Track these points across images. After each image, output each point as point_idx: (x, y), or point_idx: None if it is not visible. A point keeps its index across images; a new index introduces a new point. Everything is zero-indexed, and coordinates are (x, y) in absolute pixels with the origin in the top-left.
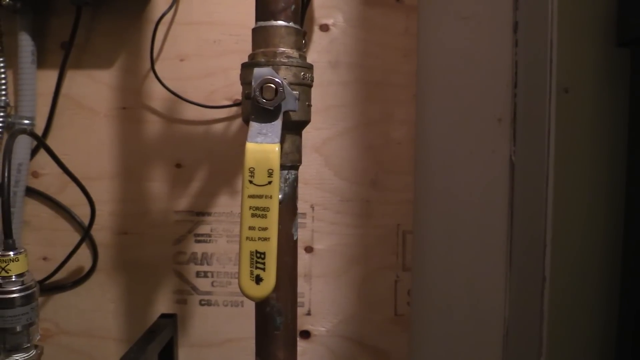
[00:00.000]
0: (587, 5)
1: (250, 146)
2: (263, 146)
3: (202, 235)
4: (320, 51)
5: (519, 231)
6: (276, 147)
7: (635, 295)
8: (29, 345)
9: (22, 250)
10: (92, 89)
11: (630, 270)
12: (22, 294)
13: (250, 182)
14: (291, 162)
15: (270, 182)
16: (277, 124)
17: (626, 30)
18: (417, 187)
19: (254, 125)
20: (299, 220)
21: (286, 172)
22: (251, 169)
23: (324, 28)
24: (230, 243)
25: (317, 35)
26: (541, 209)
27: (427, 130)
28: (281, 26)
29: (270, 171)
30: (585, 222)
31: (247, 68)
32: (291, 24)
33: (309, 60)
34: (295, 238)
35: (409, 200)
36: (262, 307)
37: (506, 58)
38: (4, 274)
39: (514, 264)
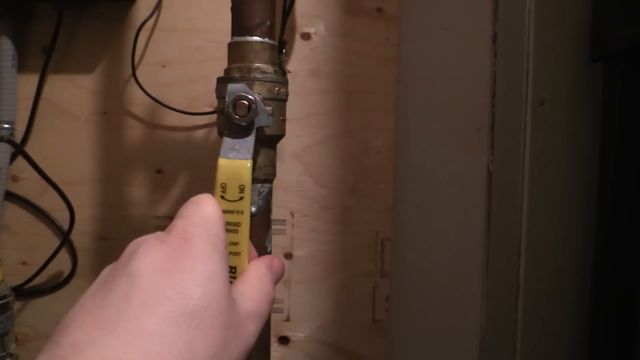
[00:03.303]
0: (562, 20)
1: (222, 162)
2: (235, 162)
3: None
4: (301, 59)
5: (495, 240)
6: (248, 164)
7: (605, 305)
8: (4, 354)
9: None
10: (73, 93)
11: (602, 280)
12: None
13: (222, 197)
14: (265, 175)
15: (241, 198)
16: (250, 139)
17: (600, 45)
18: (396, 195)
19: (227, 141)
20: (279, 227)
21: (260, 185)
22: (223, 185)
23: (306, 37)
24: None
25: (298, 44)
26: (517, 218)
27: (406, 139)
28: (256, 42)
29: (241, 187)
30: (559, 232)
31: (222, 83)
32: (266, 39)
33: (290, 68)
34: (269, 250)
35: (387, 208)
36: None
37: (485, 68)
38: None
39: (490, 272)
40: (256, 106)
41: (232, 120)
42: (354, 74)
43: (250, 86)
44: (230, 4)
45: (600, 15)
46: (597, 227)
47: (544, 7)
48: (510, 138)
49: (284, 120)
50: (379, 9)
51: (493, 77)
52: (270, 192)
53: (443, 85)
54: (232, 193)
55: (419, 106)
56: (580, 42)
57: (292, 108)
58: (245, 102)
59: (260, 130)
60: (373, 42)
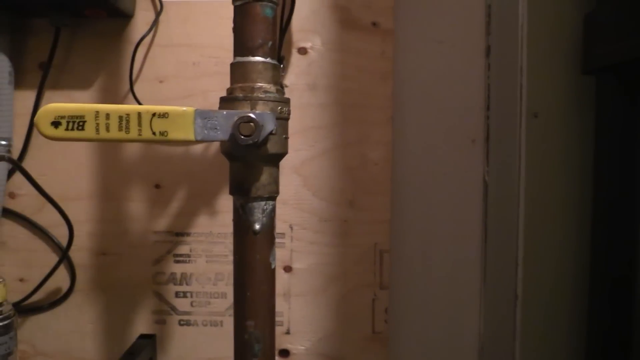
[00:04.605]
0: (554, 34)
1: (190, 111)
2: (189, 126)
3: (181, 255)
4: (298, 74)
5: (492, 250)
6: (190, 137)
7: (601, 313)
8: None
9: (1, 280)
10: None
11: (599, 288)
12: (1, 323)
13: (154, 116)
14: (269, 193)
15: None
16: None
17: (591, 59)
18: (394, 207)
19: (221, 115)
20: (278, 240)
21: (264, 202)
22: (162, 114)
23: (302, 51)
24: (209, 263)
25: (295, 58)
26: (513, 227)
27: (403, 151)
28: (259, 62)
29: (164, 133)
30: (556, 241)
31: (225, 102)
32: (268, 59)
33: (288, 82)
34: (273, 267)
35: (386, 220)
36: (241, 334)
37: (479, 81)
38: None
39: (487, 282)
40: (262, 125)
41: (239, 143)
42: (351, 88)
43: (254, 106)
44: (227, 20)
45: (591, 30)
46: (593, 235)
47: (536, 21)
48: (505, 149)
49: (286, 139)
50: (374, 23)
51: (487, 89)
52: (273, 210)
53: (438, 97)
54: (154, 125)
55: (415, 118)
56: (572, 55)
57: (290, 122)
58: (252, 123)
59: (264, 148)
60: (369, 56)
